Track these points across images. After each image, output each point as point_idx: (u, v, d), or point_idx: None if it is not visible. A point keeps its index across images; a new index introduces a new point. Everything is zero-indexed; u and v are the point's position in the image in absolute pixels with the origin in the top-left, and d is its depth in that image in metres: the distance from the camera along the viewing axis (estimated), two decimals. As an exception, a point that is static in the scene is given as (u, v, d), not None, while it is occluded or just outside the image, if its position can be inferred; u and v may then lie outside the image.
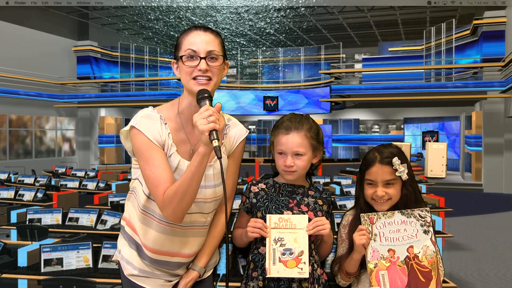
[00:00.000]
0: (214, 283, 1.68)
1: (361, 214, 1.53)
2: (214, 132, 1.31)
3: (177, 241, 1.51)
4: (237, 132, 1.59)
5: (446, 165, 11.47)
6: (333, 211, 1.80)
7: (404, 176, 1.53)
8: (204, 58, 1.41)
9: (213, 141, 1.31)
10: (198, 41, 1.42)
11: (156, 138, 1.42)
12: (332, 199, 5.36)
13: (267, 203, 1.59)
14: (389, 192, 1.54)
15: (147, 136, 1.41)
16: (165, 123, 1.45)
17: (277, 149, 1.60)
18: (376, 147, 1.61)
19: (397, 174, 1.53)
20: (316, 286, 1.56)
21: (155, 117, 1.45)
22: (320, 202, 1.62)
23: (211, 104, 1.37)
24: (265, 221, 1.53)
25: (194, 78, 1.42)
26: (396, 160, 1.53)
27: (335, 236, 1.67)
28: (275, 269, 1.48)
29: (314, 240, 1.60)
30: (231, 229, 1.81)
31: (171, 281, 1.56)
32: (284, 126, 1.59)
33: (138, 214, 1.53)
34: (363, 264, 1.54)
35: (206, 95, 1.39)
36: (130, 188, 1.59)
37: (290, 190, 1.62)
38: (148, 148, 1.41)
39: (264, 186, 1.64)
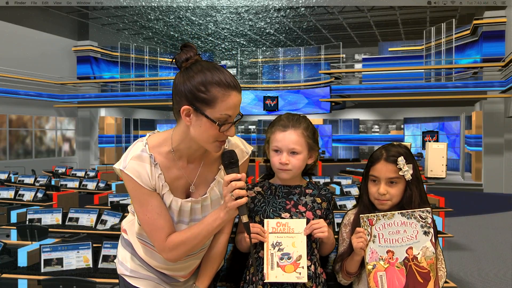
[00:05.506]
0: (215, 283, 1.67)
1: (360, 215, 1.52)
2: (244, 206, 1.32)
3: (175, 267, 1.52)
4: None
5: (446, 165, 11.49)
6: (334, 210, 1.77)
7: (408, 176, 1.52)
8: (234, 123, 1.36)
9: (243, 217, 1.33)
10: (234, 106, 1.34)
11: (147, 183, 1.37)
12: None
13: (264, 206, 1.57)
14: (391, 192, 1.54)
15: (138, 182, 1.37)
16: (156, 163, 1.39)
17: (273, 146, 1.57)
18: (385, 145, 1.60)
19: (400, 173, 1.53)
20: (314, 285, 1.55)
21: (145, 158, 1.38)
22: (318, 200, 1.59)
23: (238, 171, 1.38)
24: (263, 225, 1.51)
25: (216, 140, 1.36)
26: (401, 160, 1.53)
27: (336, 236, 1.66)
28: (273, 274, 1.47)
29: (316, 239, 1.58)
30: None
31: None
32: (281, 124, 1.57)
33: (135, 241, 1.54)
34: (364, 263, 1.54)
35: (236, 160, 1.39)
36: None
37: (287, 191, 1.59)
38: (140, 193, 1.38)
39: (260, 189, 1.61)
